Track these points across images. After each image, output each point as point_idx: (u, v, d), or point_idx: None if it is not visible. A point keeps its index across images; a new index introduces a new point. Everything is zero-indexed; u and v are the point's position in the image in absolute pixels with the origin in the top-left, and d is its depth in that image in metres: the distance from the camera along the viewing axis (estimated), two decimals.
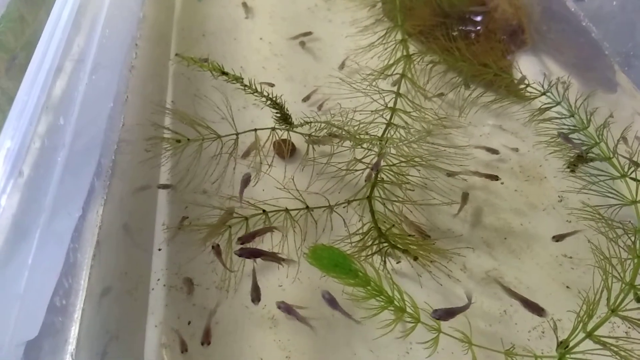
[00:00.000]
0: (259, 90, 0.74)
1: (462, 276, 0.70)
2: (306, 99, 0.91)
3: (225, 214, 0.70)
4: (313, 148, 0.78)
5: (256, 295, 0.64)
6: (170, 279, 0.69)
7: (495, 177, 0.78)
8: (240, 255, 0.64)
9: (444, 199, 0.76)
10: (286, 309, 0.65)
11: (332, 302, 0.65)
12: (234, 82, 0.73)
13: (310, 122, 0.78)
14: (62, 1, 0.72)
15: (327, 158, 0.77)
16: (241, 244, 0.66)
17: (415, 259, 0.65)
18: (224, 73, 0.72)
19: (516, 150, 0.85)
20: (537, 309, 0.65)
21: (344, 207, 0.73)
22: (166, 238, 0.73)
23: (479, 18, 1.03)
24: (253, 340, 0.64)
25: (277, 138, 0.79)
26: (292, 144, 0.82)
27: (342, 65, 0.97)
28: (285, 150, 0.80)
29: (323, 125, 0.78)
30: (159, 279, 0.69)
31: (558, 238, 0.72)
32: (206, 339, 0.63)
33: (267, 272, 0.70)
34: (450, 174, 0.78)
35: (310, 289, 0.68)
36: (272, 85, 0.88)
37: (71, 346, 0.62)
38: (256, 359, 0.63)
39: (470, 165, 0.81)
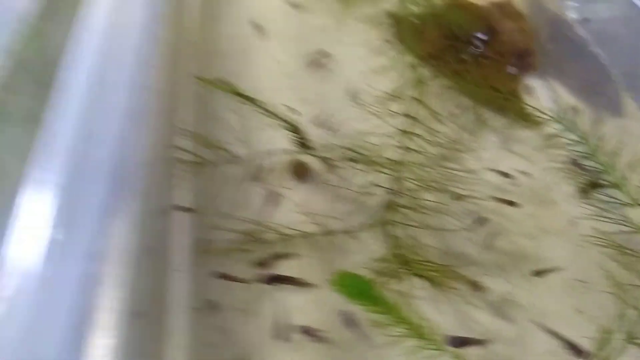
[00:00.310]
0: (274, 112, 0.75)
1: (478, 300, 0.71)
2: (318, 120, 0.92)
3: (245, 237, 0.71)
4: (330, 171, 0.79)
5: (277, 333, 0.65)
6: (191, 301, 0.70)
7: (512, 203, 0.79)
8: (260, 282, 0.65)
9: (458, 223, 0.78)
10: (305, 331, 0.66)
11: (350, 323, 0.66)
12: (249, 104, 0.74)
13: (327, 145, 0.79)
14: (78, 20, 0.73)
15: (343, 181, 0.79)
16: (260, 268, 0.67)
17: (436, 286, 0.66)
18: (240, 95, 0.73)
19: (527, 174, 0.86)
20: (581, 353, 0.65)
21: (363, 232, 0.75)
22: (186, 260, 0.74)
23: (487, 41, 1.04)
24: None
25: (294, 160, 0.81)
26: (309, 166, 0.83)
27: (353, 87, 0.98)
28: (302, 173, 0.81)
29: (339, 148, 0.79)
30: (179, 302, 0.70)
31: (538, 273, 0.74)
32: None
33: (288, 294, 0.70)
34: (460, 198, 0.79)
35: (331, 311, 0.69)
36: (295, 111, 0.89)
37: None
38: None
39: (483, 188, 0.83)
